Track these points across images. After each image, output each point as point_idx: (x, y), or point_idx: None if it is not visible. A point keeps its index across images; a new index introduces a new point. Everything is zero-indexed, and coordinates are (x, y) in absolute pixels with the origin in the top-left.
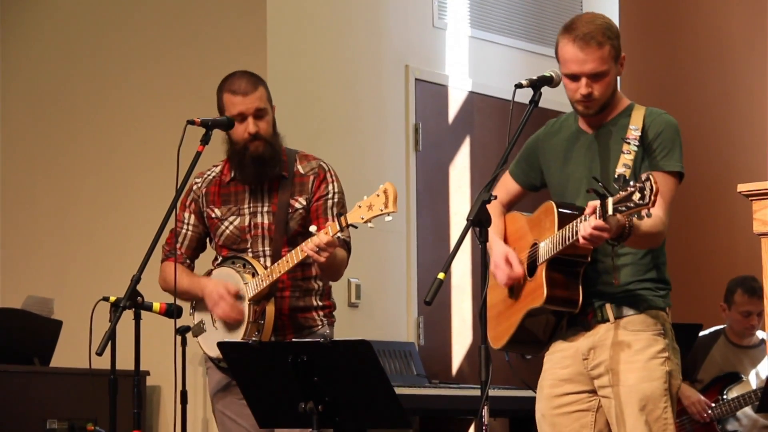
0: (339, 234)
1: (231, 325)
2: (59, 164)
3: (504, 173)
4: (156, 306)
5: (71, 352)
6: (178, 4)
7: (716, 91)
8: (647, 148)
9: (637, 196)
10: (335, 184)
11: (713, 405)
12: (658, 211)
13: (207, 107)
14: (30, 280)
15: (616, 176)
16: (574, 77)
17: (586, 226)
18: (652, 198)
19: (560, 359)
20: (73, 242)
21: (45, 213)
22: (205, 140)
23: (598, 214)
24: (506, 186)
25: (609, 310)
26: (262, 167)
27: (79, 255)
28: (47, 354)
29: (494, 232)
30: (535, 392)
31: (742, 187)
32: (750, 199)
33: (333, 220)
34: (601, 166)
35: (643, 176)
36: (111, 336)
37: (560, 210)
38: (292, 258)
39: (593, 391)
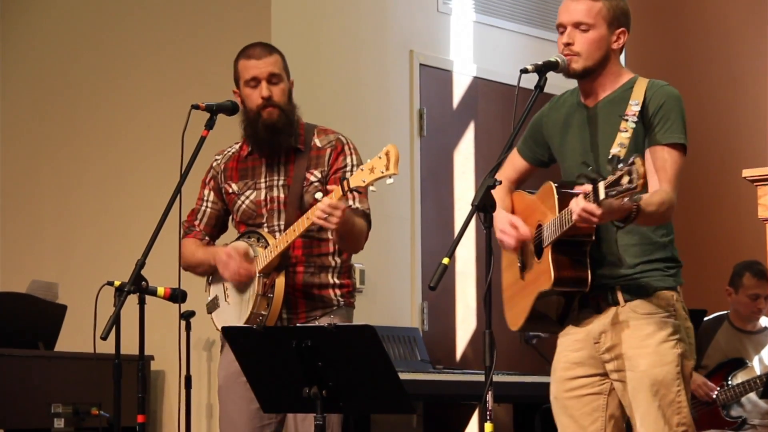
0: (359, 205)
1: (242, 298)
2: (63, 148)
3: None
4: (160, 291)
5: (76, 337)
6: None
7: (721, 76)
8: (648, 121)
9: (625, 180)
10: (353, 156)
11: (718, 390)
12: (665, 186)
13: (211, 92)
14: (34, 264)
15: (610, 157)
16: (562, 29)
17: (576, 209)
18: (640, 182)
19: (572, 342)
20: (78, 226)
21: (49, 197)
22: (210, 125)
23: (591, 198)
24: (513, 163)
25: (618, 292)
26: (275, 135)
27: (83, 239)
28: (52, 338)
29: (499, 206)
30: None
31: (747, 173)
32: (755, 184)
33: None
34: (599, 143)
35: (631, 159)
36: (115, 320)
37: (559, 191)
38: (299, 226)
39: (605, 374)
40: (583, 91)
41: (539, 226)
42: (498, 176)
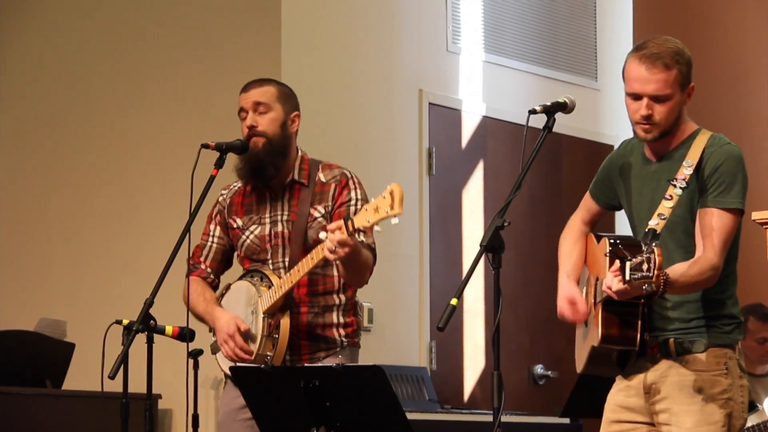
0: (364, 239)
1: (246, 340)
2: (72, 186)
3: (586, 194)
4: (169, 329)
5: (83, 375)
6: (193, 27)
7: (729, 118)
8: (703, 183)
9: (645, 267)
10: (358, 191)
11: None
12: (708, 253)
13: (220, 129)
14: (43, 302)
15: (646, 229)
16: (636, 97)
17: (608, 286)
18: (656, 273)
19: (625, 388)
20: (87, 264)
21: (57, 235)
22: (219, 164)
23: (619, 276)
24: (587, 205)
25: (672, 345)
26: (258, 166)
27: (91, 277)
28: (59, 376)
29: (563, 268)
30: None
31: (756, 215)
32: (764, 227)
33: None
34: (654, 202)
35: (651, 246)
36: (123, 359)
37: (612, 251)
38: (303, 266)
39: (652, 424)
40: (650, 148)
41: (597, 279)
42: (573, 217)
